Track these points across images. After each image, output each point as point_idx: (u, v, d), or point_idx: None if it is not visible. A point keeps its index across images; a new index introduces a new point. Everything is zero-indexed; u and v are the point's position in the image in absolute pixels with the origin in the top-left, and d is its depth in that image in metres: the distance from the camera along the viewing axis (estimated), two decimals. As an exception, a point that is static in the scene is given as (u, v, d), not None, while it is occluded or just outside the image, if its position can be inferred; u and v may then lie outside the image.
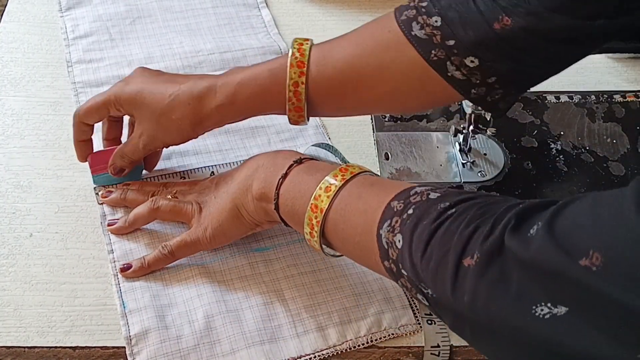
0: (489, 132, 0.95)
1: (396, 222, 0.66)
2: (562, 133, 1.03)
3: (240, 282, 0.85)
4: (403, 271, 0.65)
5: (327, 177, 0.74)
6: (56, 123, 1.01)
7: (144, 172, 0.95)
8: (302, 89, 0.81)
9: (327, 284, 0.85)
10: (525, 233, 0.55)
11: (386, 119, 1.04)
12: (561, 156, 1.00)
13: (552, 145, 1.02)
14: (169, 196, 0.89)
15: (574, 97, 1.08)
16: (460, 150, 1.00)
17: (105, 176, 0.92)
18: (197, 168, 0.96)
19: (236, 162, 0.97)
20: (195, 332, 0.79)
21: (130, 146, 0.89)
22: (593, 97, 1.08)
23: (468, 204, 0.63)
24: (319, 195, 0.73)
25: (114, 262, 0.85)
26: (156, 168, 0.95)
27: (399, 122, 1.04)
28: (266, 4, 1.22)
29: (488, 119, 0.93)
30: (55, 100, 1.04)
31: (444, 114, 1.05)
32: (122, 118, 0.94)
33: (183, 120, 0.85)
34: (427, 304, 0.65)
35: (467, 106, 0.92)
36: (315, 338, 0.80)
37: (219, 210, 0.83)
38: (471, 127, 0.95)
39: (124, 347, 0.78)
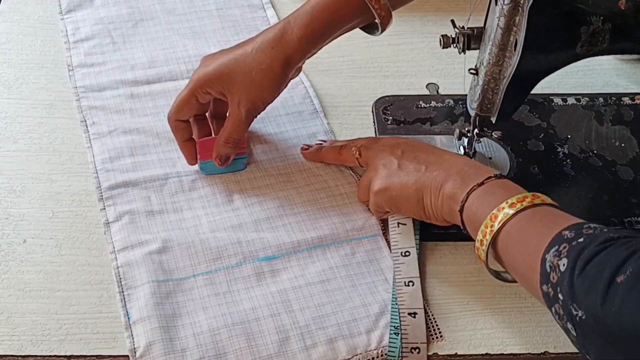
0: (494, 136, 0.94)
1: (564, 248, 0.68)
2: (569, 136, 1.02)
3: (247, 293, 0.83)
4: (560, 295, 0.66)
5: (518, 195, 0.77)
6: (50, 126, 1.00)
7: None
8: None
9: (336, 295, 0.84)
10: None
11: (389, 122, 1.03)
12: (568, 160, 0.99)
13: (559, 149, 1.00)
14: (354, 149, 0.93)
15: (582, 100, 1.07)
16: (465, 154, 0.98)
17: (211, 163, 0.93)
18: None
19: (244, 169, 0.96)
20: (201, 345, 0.78)
21: (232, 121, 0.91)
22: (601, 99, 1.07)
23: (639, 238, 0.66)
24: (502, 208, 0.76)
25: (118, 268, 0.84)
26: (159, 170, 0.95)
27: (402, 125, 1.03)
28: (271, 4, 1.21)
29: (493, 122, 0.91)
30: (50, 103, 1.03)
31: (448, 117, 1.03)
32: (206, 116, 0.97)
33: (273, 66, 0.88)
34: (574, 334, 0.66)
35: (472, 109, 0.91)
36: (325, 352, 0.79)
37: (401, 184, 0.86)
38: (476, 131, 0.94)
39: (121, 357, 0.78)
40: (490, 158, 0.99)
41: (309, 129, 1.02)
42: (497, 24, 0.82)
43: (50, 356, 0.78)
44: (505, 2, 0.80)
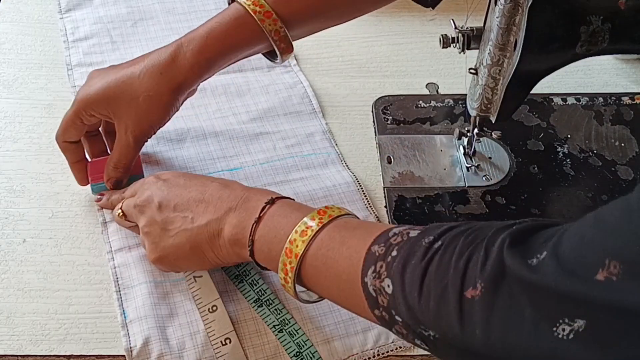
0: (494, 135, 0.94)
1: (381, 266, 0.63)
2: (569, 136, 1.02)
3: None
4: (397, 317, 0.62)
5: (304, 219, 0.71)
6: (50, 126, 0.99)
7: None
8: (274, 15, 0.83)
9: None
10: (527, 257, 0.53)
11: (389, 122, 1.02)
12: (568, 160, 0.99)
13: (559, 149, 1.00)
14: (119, 211, 0.84)
15: (581, 99, 1.07)
16: (465, 153, 0.98)
17: (103, 185, 0.90)
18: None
19: (237, 169, 0.96)
20: (197, 345, 0.78)
21: (120, 147, 0.86)
22: (601, 99, 1.07)
23: (453, 233, 0.60)
24: (294, 240, 0.70)
25: (115, 268, 0.84)
26: (157, 170, 0.94)
27: (401, 125, 1.03)
28: None
29: (493, 122, 0.91)
30: (50, 103, 1.03)
31: (448, 117, 1.03)
32: (99, 131, 0.92)
33: (161, 93, 0.82)
34: (426, 347, 0.62)
35: (472, 109, 0.91)
36: (321, 352, 0.79)
37: (174, 247, 0.78)
38: (476, 130, 0.95)
39: (120, 356, 0.78)
40: (490, 158, 0.99)
41: (307, 129, 1.02)
42: (497, 24, 0.81)
43: (50, 356, 0.78)
44: (505, 2, 0.80)
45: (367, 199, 0.93)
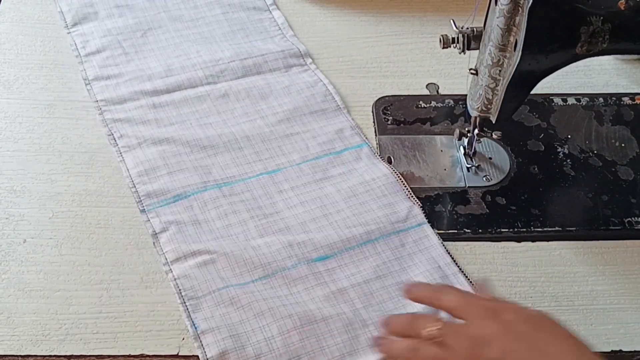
0: (494, 136, 0.94)
1: None
2: (569, 136, 1.02)
3: (308, 294, 0.84)
4: None
5: None
6: (50, 126, 1.00)
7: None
8: None
9: (395, 290, 0.84)
10: None
11: (389, 122, 1.02)
12: (568, 160, 0.99)
13: (559, 149, 1.00)
14: (431, 330, 0.71)
15: (582, 100, 1.07)
16: (465, 154, 0.98)
17: None
18: (242, 180, 0.95)
19: (275, 171, 0.96)
20: (273, 350, 0.78)
21: None
22: (601, 99, 1.07)
23: None
24: None
25: (175, 280, 0.84)
26: (196, 178, 0.94)
27: (402, 125, 1.03)
28: (276, 5, 1.20)
29: (493, 122, 0.91)
30: (50, 103, 1.03)
31: (448, 117, 1.03)
32: None
33: None
34: None
35: (472, 109, 0.91)
36: None
37: None
38: (476, 131, 0.94)
39: (120, 356, 0.78)
40: (490, 158, 0.99)
41: (335, 125, 1.02)
42: (497, 24, 0.82)
43: (50, 356, 0.78)
44: (505, 2, 0.80)
45: (407, 189, 0.94)
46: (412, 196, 0.93)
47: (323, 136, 1.01)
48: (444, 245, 0.89)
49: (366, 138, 1.00)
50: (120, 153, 0.97)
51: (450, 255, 0.88)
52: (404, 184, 0.94)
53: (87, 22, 1.15)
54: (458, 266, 0.87)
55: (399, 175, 0.95)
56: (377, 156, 0.98)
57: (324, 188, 0.95)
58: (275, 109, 1.04)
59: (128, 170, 0.95)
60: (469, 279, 0.85)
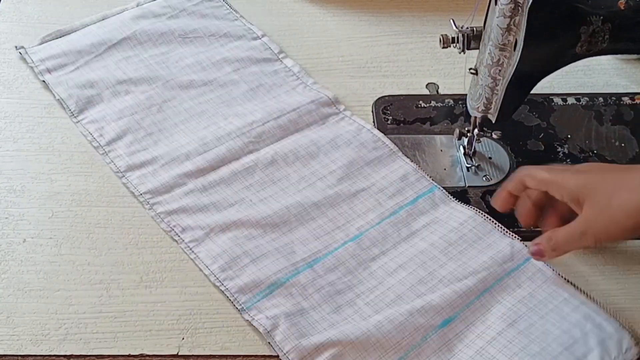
0: (494, 136, 0.94)
1: None
2: (569, 136, 1.02)
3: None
4: None
5: None
6: (50, 126, 1.00)
7: None
8: None
9: (532, 332, 0.81)
10: None
11: (389, 122, 1.02)
12: (568, 160, 0.99)
13: (559, 149, 1.00)
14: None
15: (582, 100, 1.07)
16: (465, 153, 0.98)
17: None
18: (329, 253, 0.89)
19: (359, 236, 0.91)
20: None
21: (569, 235, 0.79)
22: (601, 99, 1.07)
23: None
24: None
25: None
26: (284, 261, 0.88)
27: (401, 124, 1.02)
28: (285, 53, 1.12)
29: (493, 122, 0.91)
30: (50, 103, 1.03)
31: (448, 117, 1.03)
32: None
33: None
34: None
35: (472, 109, 0.91)
36: None
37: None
38: (476, 131, 0.95)
39: (120, 356, 0.78)
40: (490, 158, 0.98)
41: (396, 172, 0.96)
42: (497, 24, 0.82)
43: (50, 356, 0.77)
44: (505, 2, 0.80)
45: (499, 226, 0.89)
46: (506, 231, 0.89)
47: (390, 187, 0.94)
48: (560, 274, 0.85)
49: (431, 179, 0.95)
50: (191, 249, 0.88)
51: (571, 283, 0.84)
52: (493, 221, 0.90)
53: (93, 106, 1.03)
54: (584, 292, 0.83)
55: (483, 213, 0.91)
56: (451, 198, 0.93)
57: (415, 245, 0.88)
58: (330, 167, 0.97)
59: (207, 267, 0.86)
60: (606, 311, 0.82)
